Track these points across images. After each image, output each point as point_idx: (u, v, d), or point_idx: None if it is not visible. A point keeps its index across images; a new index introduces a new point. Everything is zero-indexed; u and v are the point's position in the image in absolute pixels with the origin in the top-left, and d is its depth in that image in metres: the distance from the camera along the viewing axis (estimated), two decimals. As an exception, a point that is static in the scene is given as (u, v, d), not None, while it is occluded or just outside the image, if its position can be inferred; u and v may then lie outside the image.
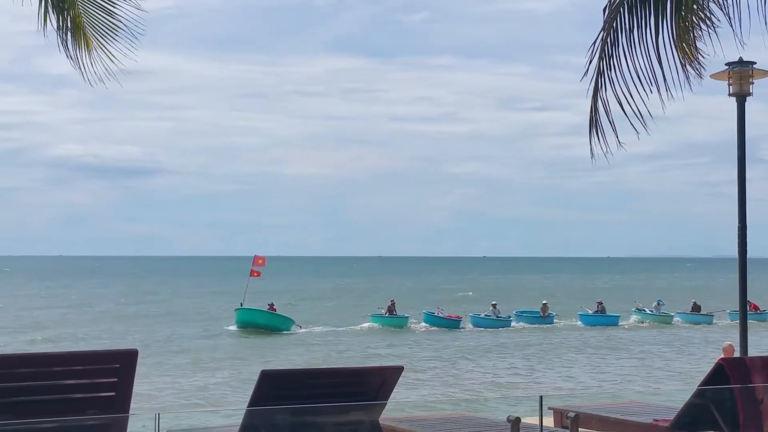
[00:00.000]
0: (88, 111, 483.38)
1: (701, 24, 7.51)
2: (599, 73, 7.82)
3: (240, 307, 47.90)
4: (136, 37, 8.62)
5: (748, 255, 13.88)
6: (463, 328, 50.17)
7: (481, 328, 49.76)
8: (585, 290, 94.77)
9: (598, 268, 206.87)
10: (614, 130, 7.79)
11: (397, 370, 8.57)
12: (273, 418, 7.95)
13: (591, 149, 7.88)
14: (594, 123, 7.88)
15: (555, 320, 52.95)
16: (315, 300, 79.23)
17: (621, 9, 7.69)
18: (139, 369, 7.75)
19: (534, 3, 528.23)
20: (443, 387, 27.97)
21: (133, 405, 7.84)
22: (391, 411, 8.94)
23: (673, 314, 54.76)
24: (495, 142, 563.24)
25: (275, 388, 8.02)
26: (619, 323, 52.23)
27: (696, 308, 56.06)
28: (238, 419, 8.14)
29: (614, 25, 7.73)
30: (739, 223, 13.88)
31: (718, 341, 40.52)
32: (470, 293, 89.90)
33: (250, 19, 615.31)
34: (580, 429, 9.18)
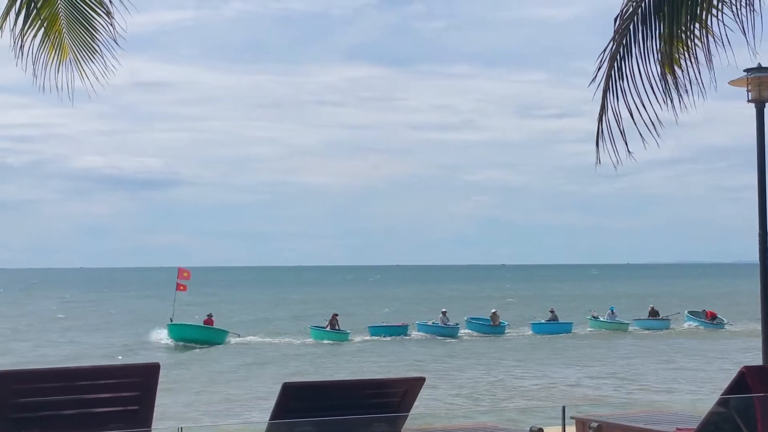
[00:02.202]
0: (108, 123, 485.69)
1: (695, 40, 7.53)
2: (609, 81, 7.88)
3: (170, 322, 47.26)
4: (107, 67, 8.62)
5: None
6: (409, 335, 49.86)
7: (428, 335, 49.66)
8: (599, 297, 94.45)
9: (620, 275, 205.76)
10: (624, 139, 7.85)
11: (419, 381, 8.59)
12: (295, 430, 7.98)
13: (598, 157, 7.96)
14: (602, 132, 7.95)
15: (507, 329, 52.24)
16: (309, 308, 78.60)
17: (634, 18, 7.75)
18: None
19: (552, 10, 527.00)
20: (462, 397, 27.90)
21: (155, 419, 7.90)
22: (412, 421, 8.94)
23: (628, 322, 54.13)
24: (514, 150, 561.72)
25: (297, 401, 8.05)
26: (572, 331, 51.69)
27: (653, 313, 55.35)
28: (260, 432, 8.18)
29: (626, 34, 7.78)
30: (760, 230, 13.81)
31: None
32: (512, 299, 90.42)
33: (268, 29, 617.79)
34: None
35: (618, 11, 7.92)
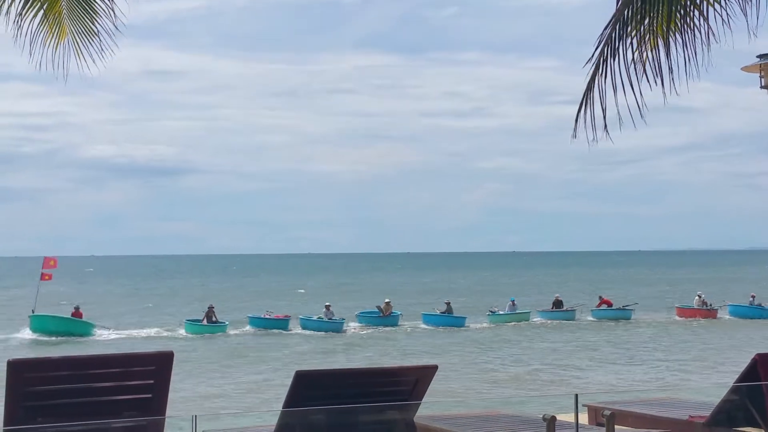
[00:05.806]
0: (120, 112, 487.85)
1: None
2: (602, 60, 7.83)
3: (32, 313, 45.41)
4: (103, 51, 8.65)
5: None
6: (291, 330, 47.12)
7: (310, 331, 46.54)
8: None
9: (620, 262, 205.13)
10: (604, 119, 7.81)
11: (431, 369, 8.58)
12: (308, 418, 7.99)
13: (575, 133, 7.91)
14: (583, 109, 7.91)
15: (400, 321, 49.88)
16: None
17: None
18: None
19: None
20: (470, 384, 27.86)
21: (169, 407, 7.92)
22: (425, 409, 8.95)
23: (529, 311, 52.92)
24: (525, 137, 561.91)
25: (310, 389, 8.06)
26: (465, 324, 49.16)
27: (557, 304, 54.04)
28: (274, 420, 8.19)
29: (625, 12, 7.72)
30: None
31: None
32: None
33: (280, 17, 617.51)
34: (615, 426, 9.13)
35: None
